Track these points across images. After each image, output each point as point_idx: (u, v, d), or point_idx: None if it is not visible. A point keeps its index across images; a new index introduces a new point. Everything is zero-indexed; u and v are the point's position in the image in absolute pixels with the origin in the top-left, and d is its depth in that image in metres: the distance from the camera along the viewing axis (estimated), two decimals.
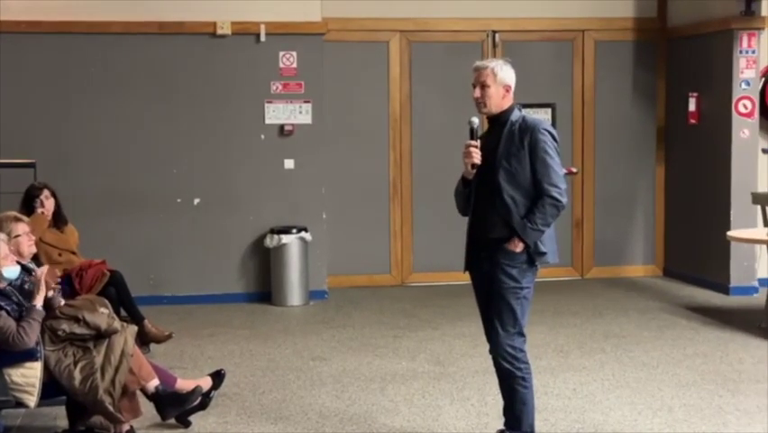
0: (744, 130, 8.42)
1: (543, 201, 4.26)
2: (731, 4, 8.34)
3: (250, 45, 8.46)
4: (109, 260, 6.84)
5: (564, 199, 4.29)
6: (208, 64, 8.45)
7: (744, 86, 8.40)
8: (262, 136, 8.56)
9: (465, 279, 4.60)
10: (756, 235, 5.11)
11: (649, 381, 5.88)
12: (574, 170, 9.27)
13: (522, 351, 4.36)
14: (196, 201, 8.50)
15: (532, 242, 4.26)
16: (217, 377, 5.37)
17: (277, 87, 8.54)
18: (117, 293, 6.52)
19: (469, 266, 4.51)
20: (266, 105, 8.53)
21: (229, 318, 7.87)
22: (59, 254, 6.59)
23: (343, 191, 8.99)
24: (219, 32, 8.38)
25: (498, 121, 4.41)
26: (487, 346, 4.47)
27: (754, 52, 8.38)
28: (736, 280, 8.46)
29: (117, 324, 4.80)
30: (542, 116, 8.81)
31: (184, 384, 5.11)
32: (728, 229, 7.84)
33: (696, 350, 6.60)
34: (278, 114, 8.54)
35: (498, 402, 4.57)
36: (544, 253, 4.33)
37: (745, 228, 7.93)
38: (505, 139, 4.32)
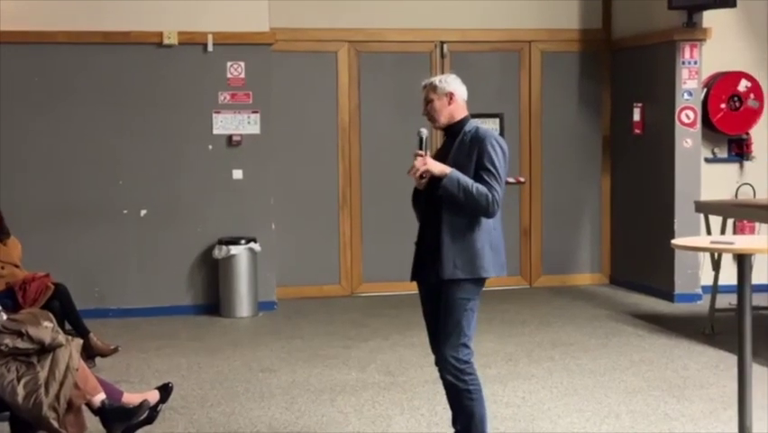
0: (686, 140, 8.56)
1: (481, 188, 4.23)
2: (674, 16, 8.47)
3: (197, 55, 8.41)
4: (53, 273, 6.75)
5: (493, 209, 4.24)
6: (155, 74, 8.38)
7: (686, 96, 8.54)
8: (210, 147, 8.50)
9: (415, 288, 4.59)
10: (700, 243, 5.18)
11: (596, 388, 5.93)
12: (522, 179, 9.34)
13: (467, 363, 4.33)
14: (143, 212, 8.41)
15: (445, 184, 4.20)
16: (164, 390, 5.30)
17: (224, 98, 8.49)
18: (62, 307, 6.43)
19: (416, 277, 4.51)
20: (214, 115, 8.48)
21: (176, 331, 7.79)
22: (2, 267, 6.49)
23: (292, 201, 8.96)
24: (166, 41, 8.32)
25: (451, 132, 4.43)
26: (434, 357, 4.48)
27: (696, 63, 8.53)
28: (680, 287, 8.58)
29: (62, 338, 4.73)
30: (489, 126, 8.86)
31: (130, 398, 5.05)
32: (672, 237, 7.94)
33: (642, 357, 6.68)
34: (225, 124, 8.50)
35: (449, 412, 4.58)
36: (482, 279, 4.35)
37: (688, 236, 8.05)
38: (455, 149, 4.34)
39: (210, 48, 8.39)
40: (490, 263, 4.33)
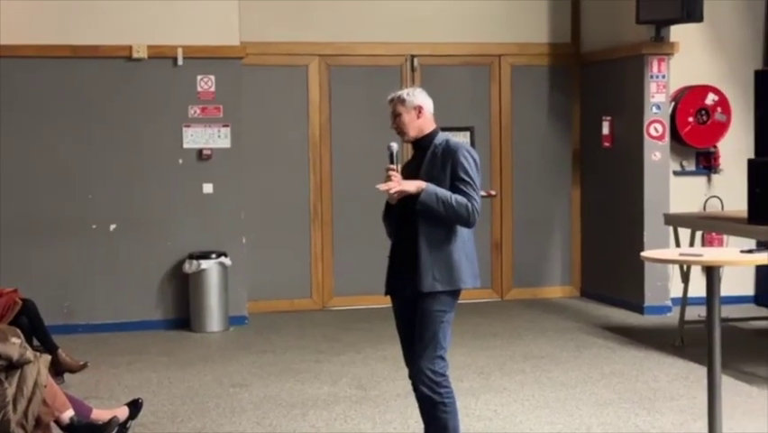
0: (655, 153, 8.63)
1: (460, 198, 4.24)
2: (641, 31, 8.55)
3: (167, 69, 8.38)
4: (21, 288, 6.67)
5: (474, 219, 4.26)
6: (124, 88, 8.33)
7: (655, 109, 8.61)
8: (180, 161, 8.46)
9: (387, 302, 4.59)
10: (669, 256, 5.22)
11: (568, 400, 5.95)
12: (493, 192, 9.37)
13: (443, 375, 4.34)
14: (113, 227, 8.35)
15: (423, 200, 4.20)
16: (134, 406, 5.27)
17: (195, 111, 8.46)
18: (30, 322, 6.36)
19: (390, 290, 4.51)
20: (184, 129, 8.45)
21: (146, 346, 7.73)
22: None
23: (263, 215, 8.94)
24: (135, 55, 8.28)
25: (421, 145, 4.44)
26: (408, 370, 4.47)
27: (664, 77, 8.61)
28: (650, 299, 8.64)
29: (30, 354, 4.68)
30: (460, 139, 8.89)
31: (100, 414, 5.00)
32: (642, 250, 7.99)
33: (613, 369, 6.71)
34: (196, 138, 8.47)
35: (421, 425, 4.57)
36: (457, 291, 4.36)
37: (658, 249, 8.10)
38: (427, 162, 4.35)
39: (180, 62, 8.37)
40: (468, 274, 4.36)
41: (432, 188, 4.23)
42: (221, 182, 8.51)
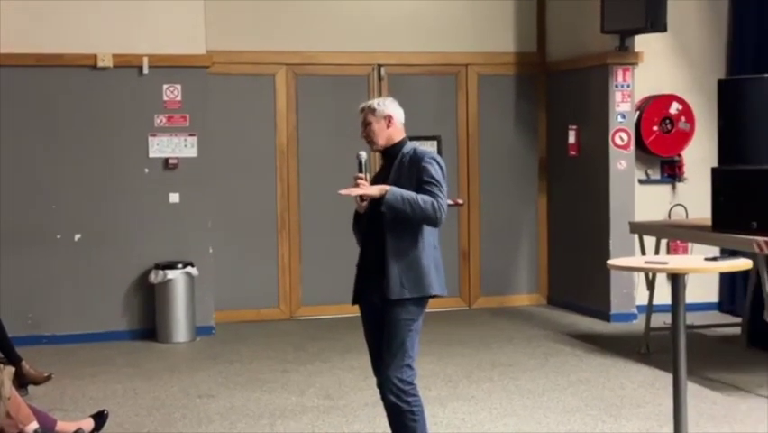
0: (621, 161, 8.70)
1: (425, 196, 4.24)
2: (606, 40, 8.63)
3: (132, 77, 8.33)
4: None
5: (441, 215, 4.26)
6: (89, 97, 8.27)
7: (620, 119, 8.69)
8: (146, 170, 8.41)
9: (354, 311, 4.59)
10: (634, 263, 5.25)
11: (535, 408, 5.97)
12: (460, 201, 9.40)
13: (411, 384, 4.34)
14: (77, 237, 8.27)
15: (388, 201, 4.19)
16: (99, 418, 5.23)
17: (161, 121, 8.42)
18: None
19: (358, 298, 4.51)
20: (150, 138, 8.40)
21: (112, 357, 7.66)
22: None
23: (230, 225, 8.90)
24: (100, 64, 8.22)
25: (389, 154, 4.46)
26: (376, 379, 4.46)
27: (628, 86, 8.69)
28: (616, 307, 8.69)
29: None
30: (428, 149, 8.91)
31: (64, 427, 4.96)
32: (608, 258, 8.05)
33: (579, 376, 6.74)
34: (162, 147, 8.42)
35: None
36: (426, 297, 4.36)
37: (623, 257, 8.16)
38: (395, 170, 4.37)
39: (146, 70, 8.32)
40: (436, 281, 4.37)
41: (395, 189, 4.24)
42: (187, 192, 8.47)
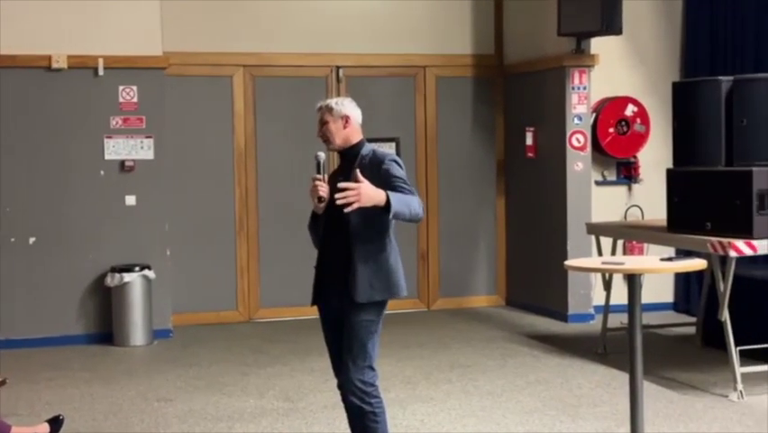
0: (577, 163, 8.77)
1: (410, 196, 4.23)
2: (563, 43, 8.70)
3: (87, 79, 8.25)
4: None
5: (423, 212, 4.31)
6: (43, 98, 8.17)
7: (576, 120, 8.76)
8: (102, 172, 8.33)
9: (314, 313, 4.57)
10: (591, 264, 5.29)
11: (494, 409, 6.00)
12: None
13: (373, 385, 4.34)
14: (32, 240, 8.17)
15: (396, 209, 4.10)
16: (55, 423, 5.17)
17: (117, 122, 8.34)
18: None
19: (317, 300, 4.50)
20: (105, 140, 8.32)
21: (68, 361, 7.57)
22: None
23: (188, 227, 8.84)
24: (54, 65, 8.13)
25: (347, 155, 4.44)
26: (336, 381, 4.46)
27: (585, 88, 8.76)
28: (573, 308, 8.76)
29: None
30: (386, 150, 8.93)
31: (20, 432, 4.89)
32: (565, 259, 8.12)
33: (538, 377, 6.78)
34: (118, 149, 8.34)
35: None
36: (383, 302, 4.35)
37: (580, 258, 8.23)
38: (355, 172, 4.34)
39: (101, 72, 8.24)
40: (402, 281, 4.37)
41: (392, 195, 4.13)
42: (144, 194, 8.40)
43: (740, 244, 5.96)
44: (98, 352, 7.96)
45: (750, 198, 6.04)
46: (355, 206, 4.06)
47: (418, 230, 9.48)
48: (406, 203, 4.20)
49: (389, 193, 4.13)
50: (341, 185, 4.09)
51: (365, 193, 4.05)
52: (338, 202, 4.05)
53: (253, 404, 6.21)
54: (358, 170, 4.15)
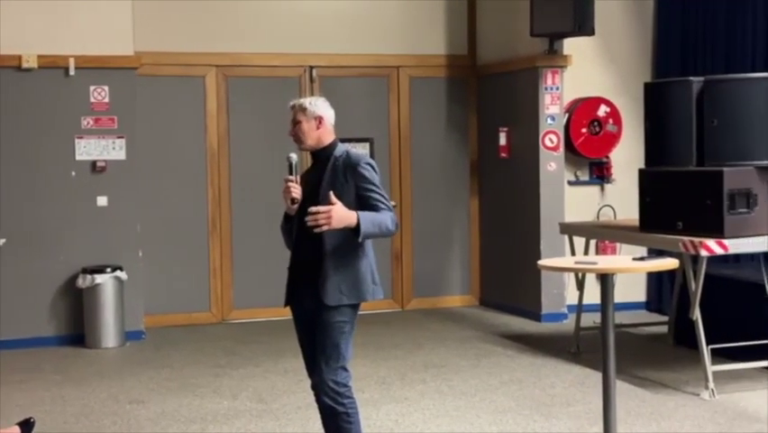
0: (551, 163, 8.80)
1: (384, 214, 4.24)
2: (536, 43, 8.72)
3: (58, 79, 8.18)
4: None
5: (397, 228, 4.31)
6: (14, 99, 8.09)
7: (549, 121, 8.79)
8: (73, 173, 8.26)
9: (287, 314, 4.56)
10: (564, 264, 5.31)
11: (468, 409, 6.00)
12: (393, 203, 9.38)
13: (346, 386, 4.33)
14: (2, 242, 8.07)
15: (366, 232, 4.13)
16: (26, 426, 5.11)
17: (88, 123, 8.28)
18: None
19: (290, 301, 4.48)
20: (76, 140, 8.25)
21: (39, 363, 7.50)
22: None
23: (160, 228, 8.79)
24: (25, 65, 8.05)
25: (320, 156, 4.42)
26: (309, 382, 4.44)
27: (557, 89, 8.80)
28: (547, 307, 8.79)
29: None
30: (360, 151, 8.92)
31: None
32: (539, 258, 8.15)
33: (511, 377, 6.80)
34: (89, 150, 8.28)
35: None
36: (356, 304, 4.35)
37: (554, 257, 8.26)
38: (329, 174, 4.32)
39: (72, 72, 8.18)
40: (372, 286, 4.36)
41: (364, 216, 4.15)
42: (116, 195, 8.34)
43: (711, 243, 6.00)
44: (70, 354, 7.90)
45: (721, 197, 6.09)
46: (324, 228, 4.08)
47: None
48: (377, 223, 4.20)
49: (360, 215, 4.15)
50: (311, 209, 4.10)
51: (336, 216, 4.08)
52: (308, 224, 4.08)
53: (226, 406, 6.18)
54: (331, 193, 4.14)
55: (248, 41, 9.07)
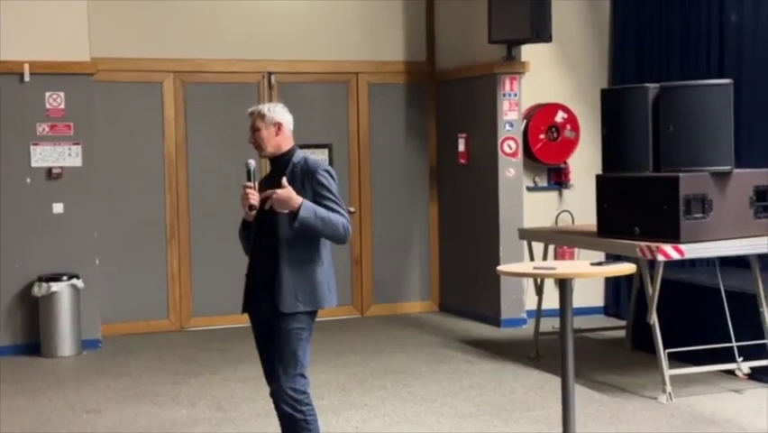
0: (509, 169, 8.84)
1: (334, 215, 4.24)
2: (494, 50, 8.77)
3: (13, 85, 8.07)
4: None
5: (348, 235, 4.30)
6: None
7: (508, 127, 8.84)
8: (28, 180, 8.16)
9: (246, 321, 4.54)
10: (523, 269, 5.33)
11: (428, 414, 6.01)
12: (352, 209, 9.40)
13: (304, 393, 4.32)
14: None
15: (303, 218, 4.14)
16: None
17: (43, 129, 8.18)
18: None
19: (247, 308, 4.46)
20: (32, 147, 8.15)
21: None
22: None
23: (118, 235, 8.70)
24: None
25: (279, 163, 4.42)
26: (268, 389, 4.42)
27: (515, 95, 8.85)
28: (506, 312, 8.83)
29: None
30: (319, 157, 8.90)
31: None
32: (498, 264, 8.17)
33: (471, 382, 6.82)
34: (45, 156, 8.18)
35: None
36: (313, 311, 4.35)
37: (513, 263, 8.28)
38: (287, 181, 4.32)
39: (27, 77, 8.07)
40: (328, 294, 4.35)
41: (308, 203, 4.20)
42: (72, 202, 8.25)
43: (668, 248, 6.06)
44: (25, 363, 7.79)
45: (677, 203, 6.15)
46: (268, 205, 4.13)
47: (352, 236, 9.44)
48: (321, 217, 4.20)
49: (304, 202, 4.16)
50: (264, 194, 4.13)
51: (278, 197, 4.13)
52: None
53: (185, 414, 6.13)
54: (284, 179, 4.16)
55: (206, 47, 9.02)
